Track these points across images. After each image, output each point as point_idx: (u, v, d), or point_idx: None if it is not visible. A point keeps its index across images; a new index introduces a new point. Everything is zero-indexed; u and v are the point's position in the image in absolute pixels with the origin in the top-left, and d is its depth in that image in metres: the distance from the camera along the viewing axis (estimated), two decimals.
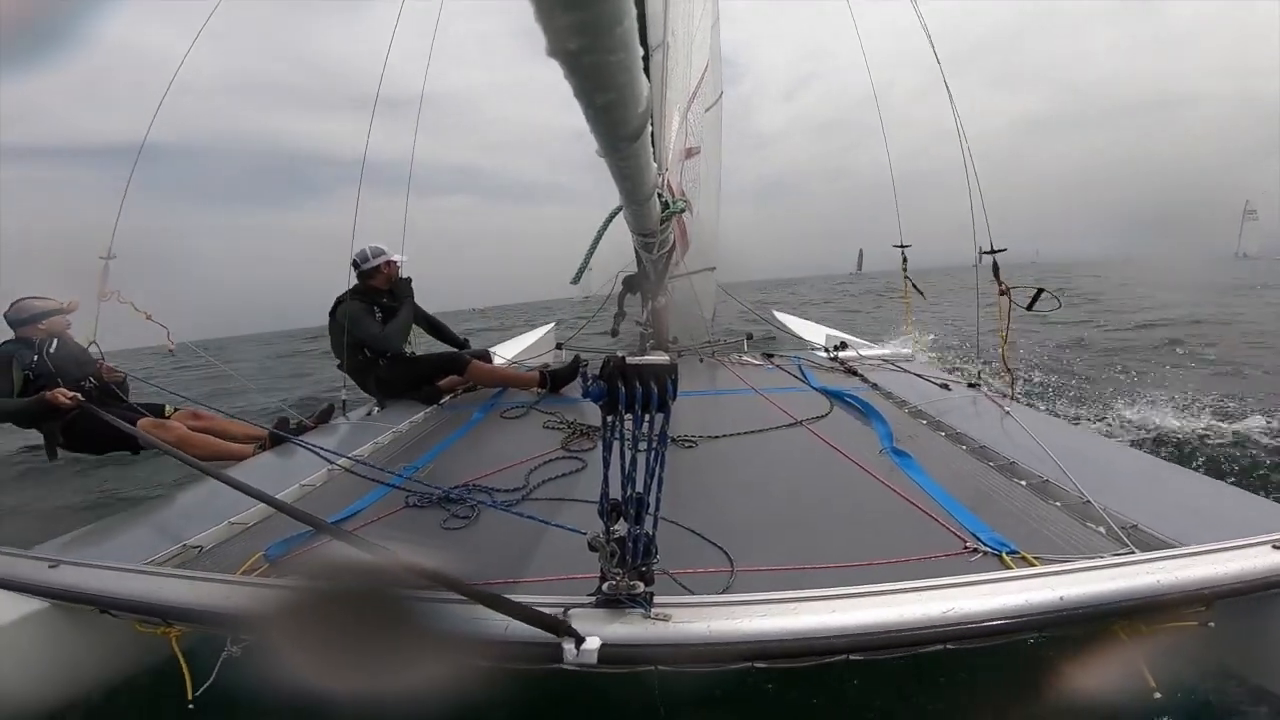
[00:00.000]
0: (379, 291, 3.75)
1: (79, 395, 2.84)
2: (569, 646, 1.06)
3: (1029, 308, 3.07)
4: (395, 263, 3.79)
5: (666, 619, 1.13)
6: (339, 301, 3.66)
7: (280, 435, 3.06)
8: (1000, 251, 3.30)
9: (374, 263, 3.72)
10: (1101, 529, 1.55)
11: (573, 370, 3.76)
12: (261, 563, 1.66)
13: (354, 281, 3.74)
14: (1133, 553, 1.36)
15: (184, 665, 1.36)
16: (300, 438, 2.95)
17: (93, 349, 3.15)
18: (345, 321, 3.53)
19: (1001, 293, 3.13)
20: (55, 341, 3.10)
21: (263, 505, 2.00)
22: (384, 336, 3.63)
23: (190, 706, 1.34)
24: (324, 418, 3.47)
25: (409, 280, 3.85)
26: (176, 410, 3.35)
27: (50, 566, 1.50)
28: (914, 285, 4.27)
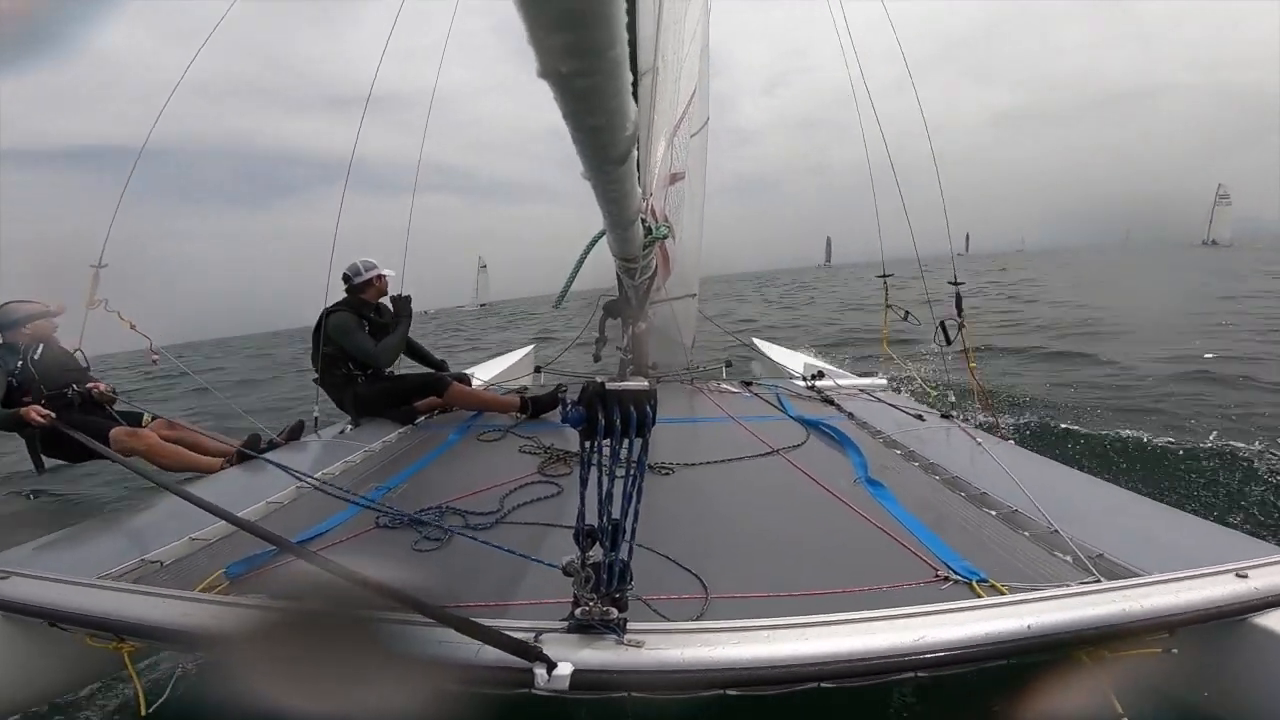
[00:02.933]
0: (367, 305, 3.72)
1: (51, 415, 2.78)
2: (540, 672, 1.04)
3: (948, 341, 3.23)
4: (385, 277, 3.76)
5: (639, 645, 1.12)
6: (327, 313, 3.60)
7: (246, 453, 2.98)
8: (961, 284, 3.50)
9: (365, 276, 3.69)
10: (1069, 558, 1.57)
11: (553, 398, 3.73)
12: (222, 580, 1.61)
13: (334, 296, 3.70)
14: (1099, 581, 1.39)
15: (137, 682, 1.32)
16: (270, 454, 2.88)
17: (78, 355, 3.10)
18: (334, 334, 3.50)
19: (960, 326, 3.26)
20: (41, 347, 3.05)
21: (225, 522, 1.96)
22: (377, 353, 3.58)
23: None
24: (294, 434, 3.39)
25: (409, 299, 3.81)
26: (154, 419, 3.28)
27: (0, 578, 1.44)
28: (904, 313, 4.27)
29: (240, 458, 2.99)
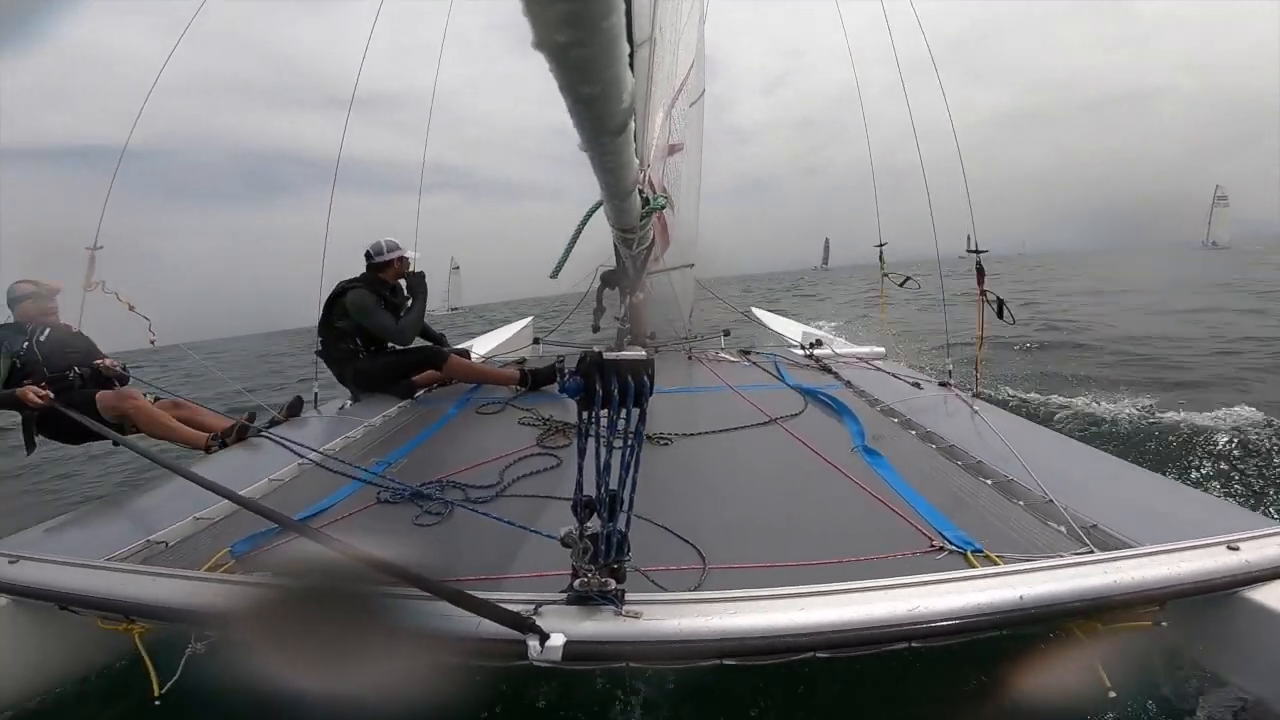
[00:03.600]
0: (384, 284, 3.74)
1: (49, 395, 2.77)
2: (533, 644, 1.06)
3: (999, 314, 3.14)
4: (408, 259, 3.80)
5: (637, 616, 1.13)
6: (344, 288, 3.63)
7: (248, 428, 2.97)
8: (983, 253, 3.36)
9: (387, 256, 3.73)
10: (1062, 528, 1.59)
11: (552, 371, 3.74)
12: (227, 559, 1.63)
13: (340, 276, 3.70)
14: (1091, 552, 1.40)
15: (148, 662, 1.34)
16: (271, 430, 2.89)
17: (81, 335, 3.09)
18: (354, 311, 3.52)
19: (981, 293, 3.19)
20: (47, 330, 3.03)
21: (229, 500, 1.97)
22: (399, 330, 3.64)
23: (156, 704, 1.31)
24: (294, 410, 3.37)
25: (423, 275, 3.84)
26: (158, 400, 3.23)
27: (10, 562, 1.45)
28: (899, 281, 4.25)
29: (239, 435, 2.97)
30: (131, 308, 3.04)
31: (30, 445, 2.96)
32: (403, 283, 3.85)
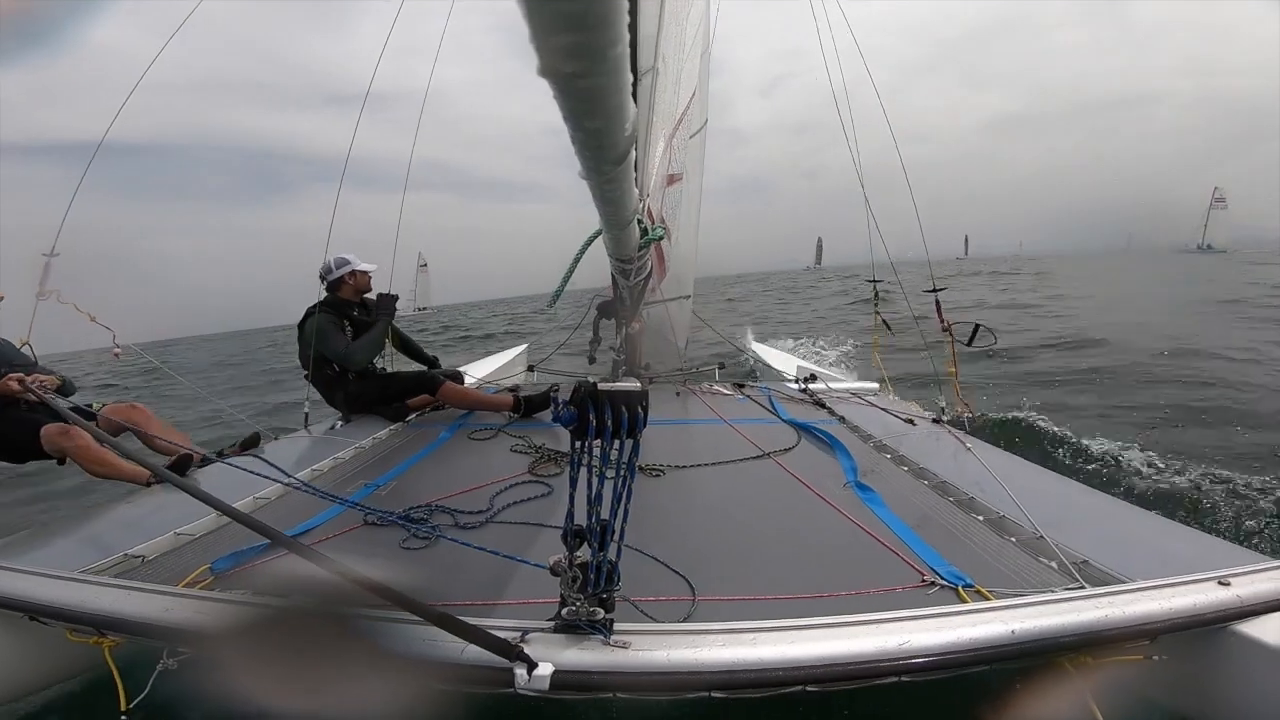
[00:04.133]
0: (349, 303, 3.65)
1: (22, 377, 2.56)
2: (520, 672, 1.04)
3: (969, 344, 3.21)
4: (362, 273, 3.65)
5: (626, 646, 1.12)
6: (308, 313, 3.54)
7: (210, 459, 2.74)
8: (941, 290, 3.52)
9: (337, 274, 3.60)
10: (1054, 564, 1.59)
11: (546, 398, 3.71)
12: (207, 575, 1.60)
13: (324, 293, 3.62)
14: (1083, 587, 1.40)
15: (117, 677, 1.31)
16: (259, 449, 2.84)
17: (25, 349, 2.85)
18: (311, 336, 3.41)
19: (944, 329, 3.27)
20: None
21: (212, 517, 1.93)
22: (348, 353, 3.50)
23: (122, 718, 1.28)
24: (249, 445, 3.08)
25: (394, 298, 3.74)
26: (105, 405, 2.95)
27: None
28: (885, 323, 4.31)
29: (179, 466, 2.67)
30: (92, 319, 2.86)
31: None
32: (373, 298, 3.74)
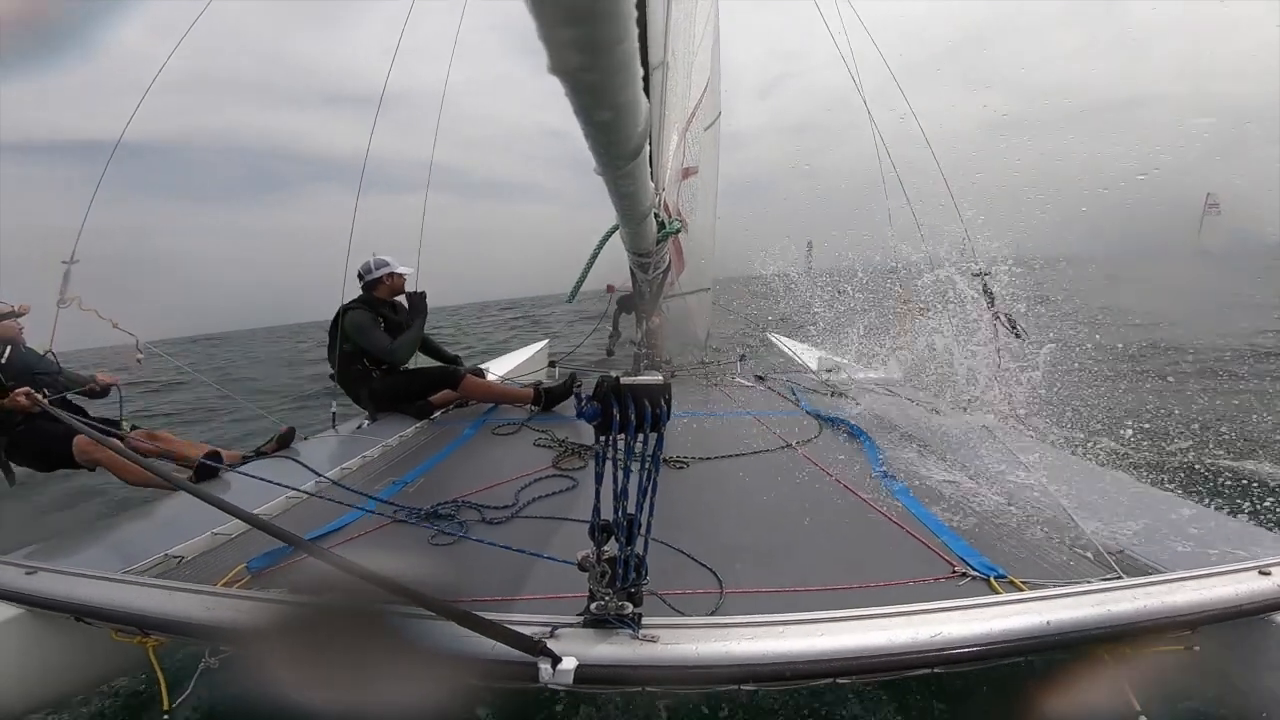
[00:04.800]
0: (381, 302, 3.75)
1: (38, 397, 2.58)
2: (545, 667, 1.05)
3: (1014, 332, 3.11)
4: (400, 275, 3.78)
5: (654, 640, 1.12)
6: (344, 310, 3.64)
7: (248, 459, 2.85)
8: (986, 274, 3.33)
9: (377, 274, 3.72)
10: (1089, 554, 1.56)
11: (567, 389, 3.74)
12: (244, 574, 1.64)
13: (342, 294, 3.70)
14: (1119, 578, 1.37)
15: (160, 675, 1.34)
16: (285, 453, 2.88)
17: (49, 358, 2.93)
18: (350, 332, 3.52)
19: (994, 316, 3.16)
20: (8, 350, 2.85)
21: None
22: (392, 350, 3.60)
23: (166, 718, 1.31)
24: (284, 443, 3.14)
25: (424, 295, 3.82)
26: (134, 429, 3.00)
27: (27, 573, 1.47)
28: (919, 308, 4.23)
29: (200, 474, 2.69)
30: (115, 325, 2.91)
31: (9, 475, 2.79)
32: (404, 300, 3.83)
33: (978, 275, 3.35)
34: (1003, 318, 3.13)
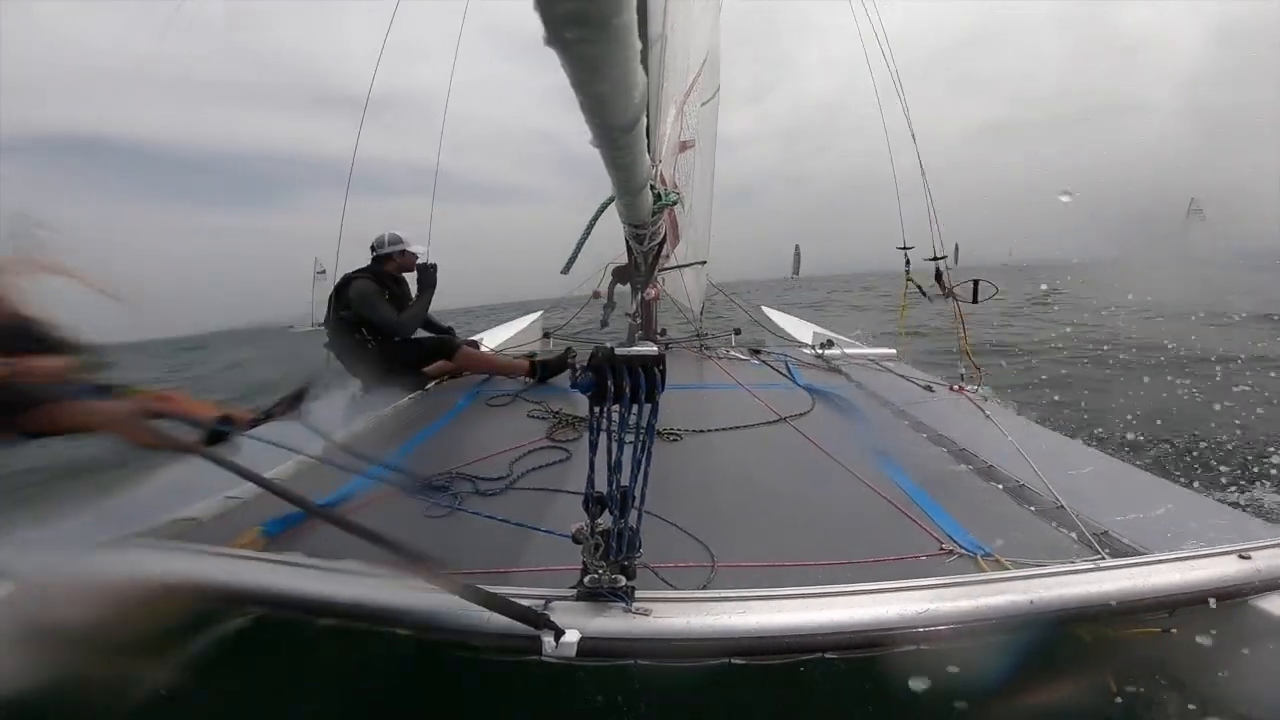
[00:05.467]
0: (387, 276, 3.76)
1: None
2: (548, 639, 1.06)
3: (974, 300, 3.21)
4: (412, 254, 3.81)
5: (647, 613, 1.14)
6: (349, 279, 3.65)
7: (258, 421, 2.83)
8: (941, 259, 3.57)
9: (388, 250, 3.75)
10: (1074, 534, 1.58)
11: (562, 361, 3.75)
12: (260, 538, 1.64)
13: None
14: (1103, 558, 1.39)
15: (168, 642, 1.35)
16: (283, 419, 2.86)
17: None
18: (357, 301, 3.53)
19: (947, 295, 3.27)
20: None
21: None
22: (400, 322, 3.63)
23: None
24: (298, 398, 3.20)
25: (434, 268, 3.83)
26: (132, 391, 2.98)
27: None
28: (920, 288, 4.24)
29: (212, 438, 2.72)
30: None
31: None
32: (409, 275, 3.86)
33: (930, 260, 3.63)
34: (955, 292, 3.35)
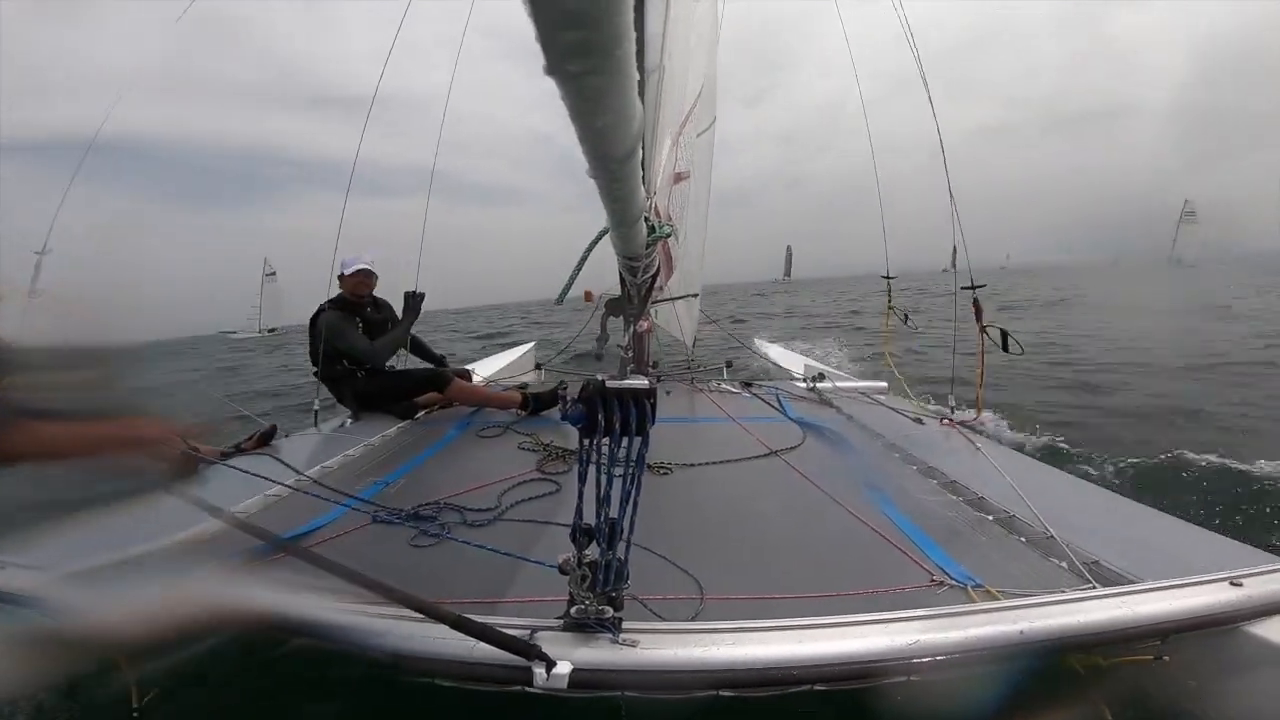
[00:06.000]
0: (360, 301, 3.71)
1: None
2: (539, 671, 1.04)
3: (1003, 348, 3.16)
4: (362, 271, 3.68)
5: (634, 645, 1.12)
6: (320, 310, 3.60)
7: (229, 453, 2.73)
8: (981, 287, 3.41)
9: (341, 271, 3.67)
10: (1064, 564, 1.58)
11: (554, 395, 3.73)
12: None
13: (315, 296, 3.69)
14: (1093, 587, 1.39)
15: (130, 676, 1.32)
16: (266, 450, 2.83)
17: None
18: (326, 333, 3.47)
19: (981, 330, 3.22)
20: None
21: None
22: (373, 350, 3.56)
23: (135, 716, 1.29)
24: (264, 440, 3.06)
25: (421, 296, 3.78)
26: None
27: None
28: (903, 316, 4.29)
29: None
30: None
31: None
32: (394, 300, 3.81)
33: (966, 289, 3.45)
34: (988, 332, 3.21)
